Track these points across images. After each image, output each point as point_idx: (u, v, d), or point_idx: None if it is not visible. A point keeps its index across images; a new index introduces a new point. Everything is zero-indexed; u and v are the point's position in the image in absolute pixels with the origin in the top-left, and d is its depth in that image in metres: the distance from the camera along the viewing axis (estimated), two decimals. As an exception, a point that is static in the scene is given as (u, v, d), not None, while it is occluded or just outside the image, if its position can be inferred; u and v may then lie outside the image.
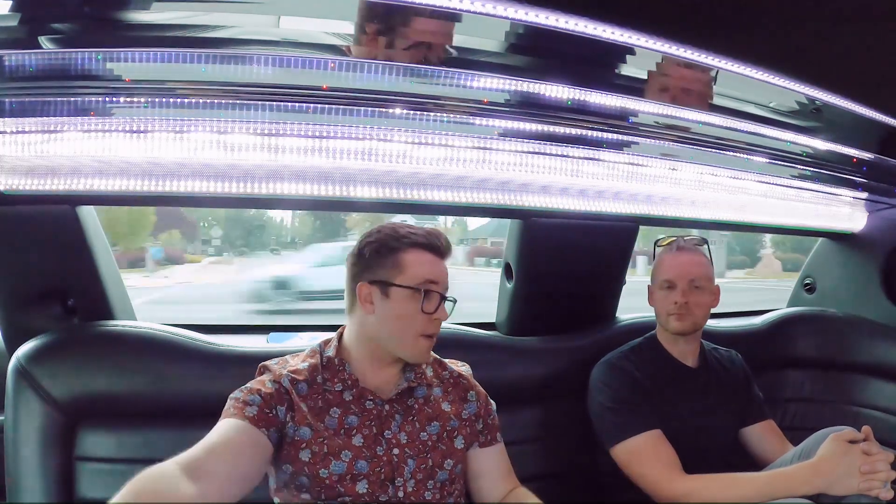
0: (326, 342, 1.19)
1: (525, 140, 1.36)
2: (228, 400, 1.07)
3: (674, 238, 1.55)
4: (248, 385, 1.09)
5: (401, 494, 1.10)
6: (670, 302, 1.48)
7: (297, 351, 1.22)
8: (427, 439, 1.14)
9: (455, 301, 1.17)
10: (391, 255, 1.13)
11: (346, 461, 1.08)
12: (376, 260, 1.13)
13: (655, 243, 1.58)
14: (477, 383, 1.27)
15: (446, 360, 1.28)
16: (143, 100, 1.13)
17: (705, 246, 1.55)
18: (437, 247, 1.15)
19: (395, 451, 1.11)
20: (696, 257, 1.51)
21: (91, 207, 1.45)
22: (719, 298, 1.54)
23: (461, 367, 1.29)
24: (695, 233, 1.61)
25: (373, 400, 1.14)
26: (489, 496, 1.22)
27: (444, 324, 1.57)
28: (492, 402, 1.28)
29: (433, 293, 1.13)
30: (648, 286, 1.56)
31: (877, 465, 1.19)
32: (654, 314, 1.58)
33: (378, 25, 0.99)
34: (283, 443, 1.08)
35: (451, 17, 0.97)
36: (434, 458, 1.14)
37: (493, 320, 1.91)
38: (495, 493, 1.23)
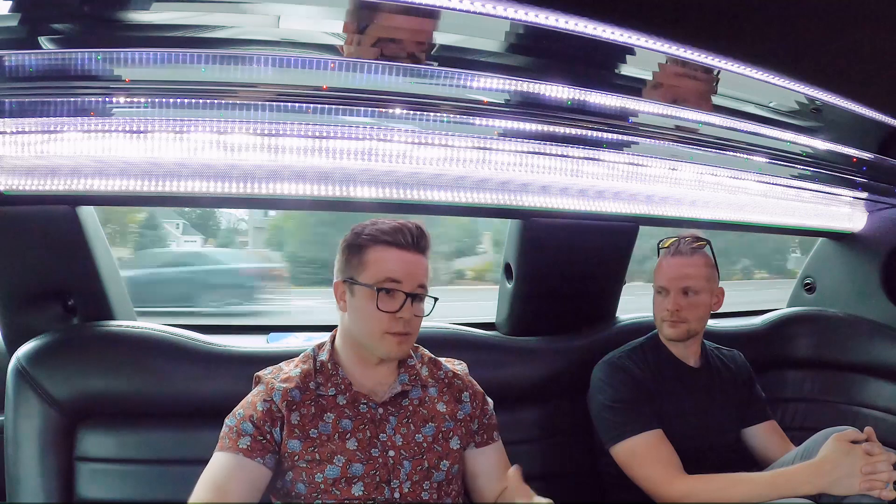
0: (320, 346, 1.20)
1: (525, 140, 1.35)
2: (225, 425, 1.10)
3: (675, 239, 1.54)
4: (241, 410, 1.11)
5: (397, 496, 1.10)
6: (663, 308, 1.48)
7: (294, 353, 1.22)
8: (422, 440, 1.14)
9: (436, 299, 1.15)
10: (357, 252, 1.13)
11: (340, 465, 1.08)
12: (347, 257, 1.15)
13: (659, 245, 1.57)
14: (473, 382, 1.27)
15: (441, 360, 1.27)
16: (143, 100, 1.12)
17: (707, 247, 1.53)
18: (402, 242, 1.12)
19: (391, 453, 1.11)
20: (692, 261, 1.48)
21: (91, 207, 1.45)
22: (723, 300, 1.53)
23: (457, 367, 1.27)
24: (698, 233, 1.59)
25: (367, 403, 1.13)
26: (487, 495, 1.22)
27: (443, 324, 1.57)
28: (489, 400, 1.27)
29: (396, 292, 1.10)
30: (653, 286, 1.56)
31: (878, 465, 1.19)
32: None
33: (375, 25, 0.99)
34: (281, 459, 1.10)
35: (452, 16, 0.97)
36: (429, 459, 1.14)
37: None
38: (492, 492, 1.22)
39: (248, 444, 1.07)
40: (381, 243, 1.12)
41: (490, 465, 1.23)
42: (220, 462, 1.07)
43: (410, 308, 1.11)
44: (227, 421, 1.10)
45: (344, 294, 1.15)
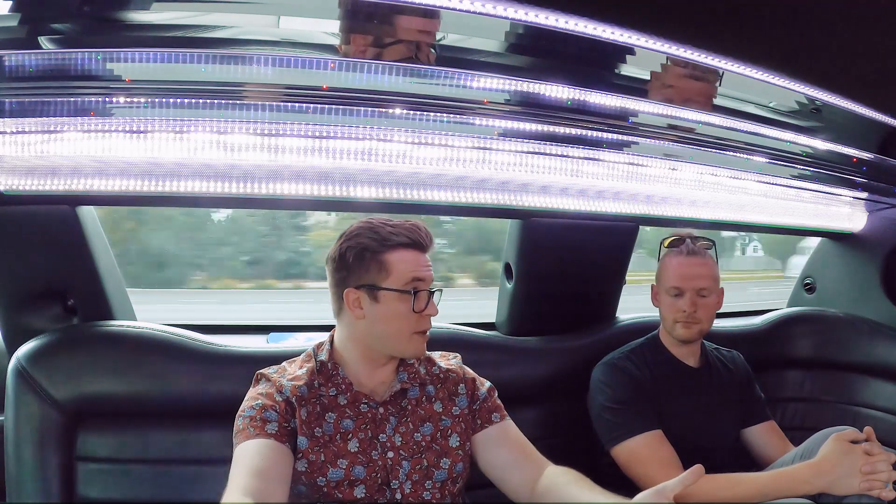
0: (319, 345, 1.19)
1: (525, 140, 1.35)
2: (241, 419, 1.07)
3: (681, 238, 1.53)
4: (259, 401, 1.08)
5: (399, 497, 1.10)
6: (678, 310, 1.47)
7: (294, 353, 1.22)
8: (421, 440, 1.14)
9: (441, 291, 1.16)
10: (375, 258, 1.11)
11: (343, 468, 1.08)
12: (360, 264, 1.12)
13: (661, 243, 1.56)
14: (466, 369, 1.25)
15: (435, 355, 1.26)
16: (143, 100, 1.12)
17: (713, 248, 1.54)
18: (420, 243, 1.14)
19: (390, 454, 1.11)
20: (706, 262, 1.49)
21: (91, 207, 1.45)
22: (723, 300, 1.54)
23: (451, 361, 1.26)
24: (695, 233, 1.59)
25: (367, 403, 1.13)
26: (517, 486, 1.15)
27: (444, 324, 1.57)
28: (483, 384, 1.24)
29: (421, 291, 1.12)
30: (652, 286, 1.56)
31: (878, 465, 1.19)
32: (654, 314, 1.57)
33: (375, 25, 0.99)
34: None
35: (451, 16, 0.97)
36: (429, 459, 1.13)
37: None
38: (518, 478, 1.15)
39: (276, 429, 1.05)
40: (401, 246, 1.12)
41: (498, 449, 1.17)
42: (252, 448, 1.02)
43: (433, 304, 1.14)
44: (243, 414, 1.07)
45: (358, 301, 1.12)
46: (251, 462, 1.00)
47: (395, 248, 1.12)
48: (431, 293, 1.14)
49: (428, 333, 1.16)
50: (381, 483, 1.09)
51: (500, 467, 1.17)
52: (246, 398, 1.11)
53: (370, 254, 1.11)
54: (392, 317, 1.12)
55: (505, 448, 1.19)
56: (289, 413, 1.08)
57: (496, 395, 1.25)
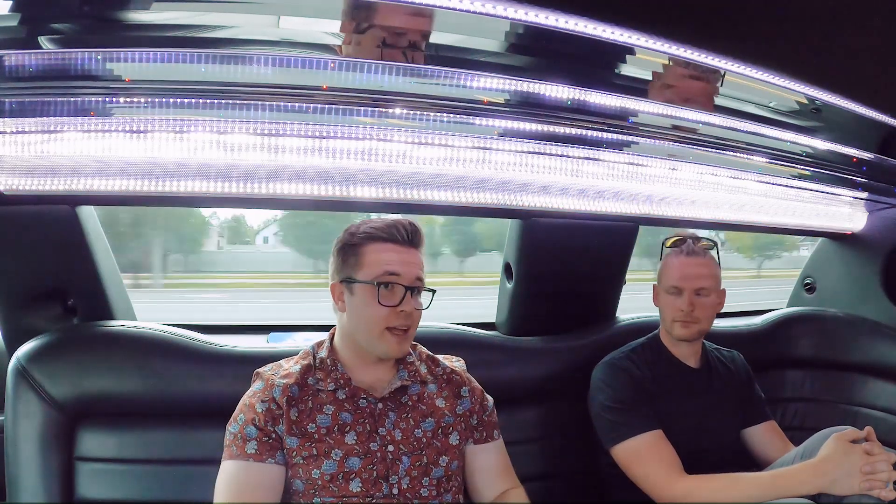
0: (319, 343, 1.20)
1: (525, 140, 1.35)
2: (228, 432, 1.10)
3: (682, 238, 1.53)
4: (242, 415, 1.11)
5: (395, 492, 1.10)
6: (676, 308, 1.48)
7: (294, 353, 1.22)
8: (422, 436, 1.14)
9: (434, 291, 1.16)
10: (352, 251, 1.14)
11: (337, 460, 1.09)
12: (342, 258, 1.15)
13: (664, 243, 1.57)
14: (472, 378, 1.27)
15: (439, 357, 1.27)
16: (143, 100, 1.13)
17: (715, 249, 1.54)
18: (397, 237, 1.14)
19: (390, 447, 1.11)
20: (706, 261, 1.49)
21: (91, 207, 1.45)
22: (724, 301, 1.54)
23: (454, 363, 1.28)
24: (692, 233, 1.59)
25: (366, 398, 1.14)
26: (484, 494, 1.22)
27: (443, 324, 1.57)
28: (489, 397, 1.27)
29: (395, 285, 1.12)
30: (654, 286, 1.56)
31: (878, 465, 1.19)
32: (654, 314, 1.57)
33: (374, 24, 0.99)
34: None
35: (451, 16, 0.97)
36: (429, 455, 1.14)
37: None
38: (490, 491, 1.22)
39: (256, 447, 1.08)
40: (377, 240, 1.14)
41: (489, 463, 1.23)
42: (231, 471, 1.08)
43: (410, 301, 1.13)
44: (229, 428, 1.11)
45: (342, 294, 1.15)
46: (228, 486, 1.06)
47: (371, 242, 1.14)
48: (410, 289, 1.13)
49: (412, 333, 1.15)
50: (379, 477, 1.10)
51: (481, 475, 1.22)
52: (240, 401, 1.14)
53: (348, 247, 1.15)
54: (361, 309, 1.13)
55: (495, 461, 1.24)
56: (271, 422, 1.10)
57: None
